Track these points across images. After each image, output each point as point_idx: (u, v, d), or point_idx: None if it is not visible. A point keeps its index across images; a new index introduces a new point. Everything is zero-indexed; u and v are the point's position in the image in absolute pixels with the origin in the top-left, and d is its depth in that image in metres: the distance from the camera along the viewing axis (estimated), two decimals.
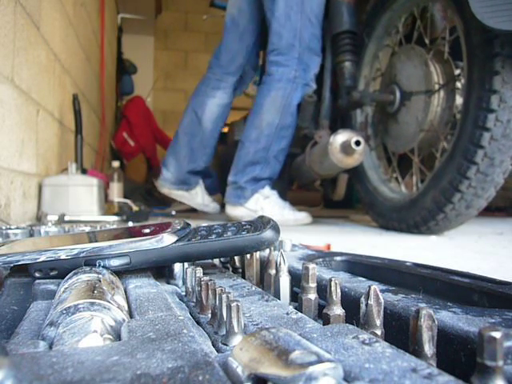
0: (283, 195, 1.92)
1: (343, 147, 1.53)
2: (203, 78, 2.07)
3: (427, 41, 1.47)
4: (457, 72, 1.38)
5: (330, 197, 2.18)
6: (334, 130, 1.72)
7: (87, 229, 0.77)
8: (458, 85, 1.39)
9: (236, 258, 0.48)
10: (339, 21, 1.71)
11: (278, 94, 1.75)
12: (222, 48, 2.00)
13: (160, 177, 2.10)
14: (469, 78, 1.24)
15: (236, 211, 1.80)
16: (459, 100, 1.37)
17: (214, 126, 2.02)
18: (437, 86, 1.41)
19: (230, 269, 0.49)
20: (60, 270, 0.37)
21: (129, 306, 0.30)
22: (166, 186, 2.07)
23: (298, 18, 1.69)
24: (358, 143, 1.50)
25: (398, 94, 1.56)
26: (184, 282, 0.39)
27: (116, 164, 2.28)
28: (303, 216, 1.79)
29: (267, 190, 1.81)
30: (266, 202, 1.77)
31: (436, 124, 1.44)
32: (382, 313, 0.25)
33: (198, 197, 2.08)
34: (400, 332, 0.28)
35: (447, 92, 1.41)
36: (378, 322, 0.24)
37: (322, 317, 0.29)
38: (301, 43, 1.72)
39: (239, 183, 1.80)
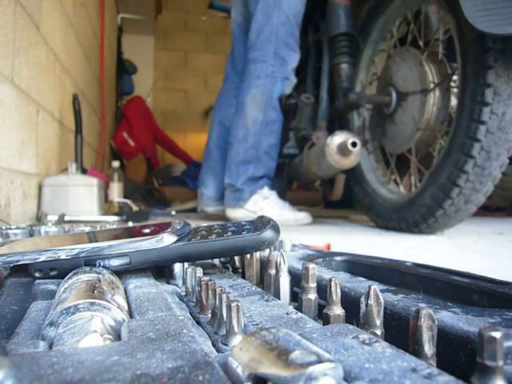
0: (282, 195, 1.93)
1: (340, 148, 1.53)
2: (222, 91, 2.08)
3: (421, 43, 1.48)
4: (450, 71, 1.39)
5: (328, 197, 2.19)
6: (331, 131, 1.72)
7: (87, 229, 0.77)
8: (453, 84, 1.39)
9: (236, 258, 0.48)
10: (336, 23, 1.72)
11: (258, 91, 1.77)
12: (236, 56, 2.01)
13: (202, 198, 2.07)
14: (463, 74, 1.25)
15: (236, 213, 1.80)
16: (454, 101, 1.38)
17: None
18: (432, 85, 1.42)
19: (230, 269, 0.49)
20: (60, 270, 0.37)
21: (129, 306, 0.30)
22: (210, 205, 2.03)
23: (275, 15, 1.73)
24: (354, 144, 1.51)
25: (394, 95, 1.57)
26: (184, 282, 0.39)
27: (116, 164, 2.28)
28: (303, 216, 1.79)
29: (266, 191, 1.81)
30: (265, 203, 1.77)
31: (432, 123, 1.44)
32: (381, 313, 0.25)
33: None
34: (400, 332, 0.28)
35: (442, 91, 1.42)
36: (378, 321, 0.24)
37: (322, 317, 0.29)
38: (277, 39, 1.74)
39: (236, 185, 1.81)
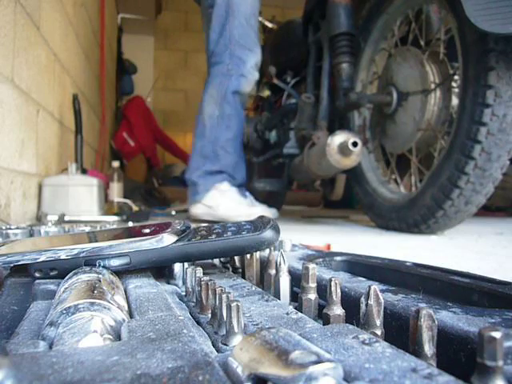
0: (243, 191, 1.90)
1: (341, 148, 1.53)
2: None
3: (422, 42, 1.48)
4: (452, 72, 1.39)
5: (329, 197, 2.19)
6: (331, 131, 1.72)
7: (87, 229, 0.77)
8: (454, 84, 1.39)
9: (236, 258, 0.48)
10: (336, 23, 1.72)
11: (214, 88, 1.83)
12: None
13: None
14: (464, 75, 1.24)
15: (194, 209, 1.81)
16: (455, 100, 1.38)
17: None
18: (433, 85, 1.42)
19: (230, 269, 0.49)
20: (60, 270, 0.37)
21: (129, 306, 0.30)
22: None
23: (228, 22, 1.81)
24: (355, 144, 1.50)
25: (394, 95, 1.56)
26: (184, 282, 0.39)
27: (116, 164, 2.28)
28: (260, 211, 1.72)
29: (225, 185, 1.79)
30: (222, 198, 1.76)
31: (433, 123, 1.44)
32: (381, 313, 0.25)
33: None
34: (400, 332, 0.28)
35: (443, 91, 1.42)
36: (378, 322, 0.24)
37: (322, 317, 0.29)
38: (231, 41, 1.81)
39: (192, 179, 1.83)
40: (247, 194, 2.05)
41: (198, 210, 1.79)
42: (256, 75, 1.86)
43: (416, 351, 0.21)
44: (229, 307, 0.23)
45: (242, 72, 1.81)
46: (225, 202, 1.75)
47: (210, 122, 1.82)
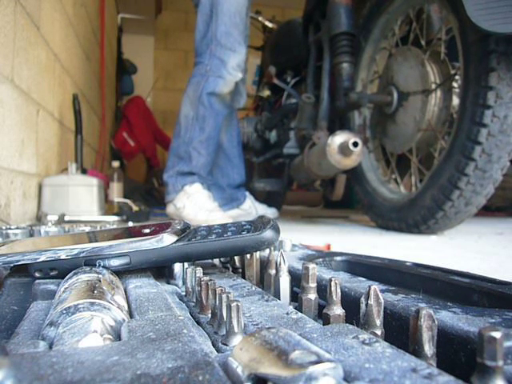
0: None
1: (341, 148, 1.53)
2: None
3: (423, 42, 1.48)
4: (453, 72, 1.39)
5: (329, 197, 2.19)
6: (332, 131, 1.72)
7: (87, 229, 0.77)
8: (455, 85, 1.39)
9: (236, 258, 0.48)
10: (337, 22, 1.72)
11: (191, 88, 1.83)
12: None
13: None
14: (465, 76, 1.24)
15: (168, 208, 1.83)
16: (456, 100, 1.38)
17: (228, 138, 2.02)
18: (433, 86, 1.42)
19: (230, 269, 0.49)
20: (60, 270, 0.37)
21: (129, 306, 0.30)
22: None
23: (212, 21, 1.80)
24: (355, 144, 1.50)
25: (395, 95, 1.56)
26: (184, 282, 0.39)
27: (116, 164, 2.28)
28: (217, 218, 1.72)
29: (194, 188, 1.78)
30: (187, 201, 1.76)
31: (433, 123, 1.44)
32: (381, 313, 0.25)
33: (253, 209, 2.05)
34: (400, 332, 0.28)
35: (444, 91, 1.42)
36: (378, 322, 0.24)
37: (322, 317, 0.29)
38: (212, 41, 1.80)
39: (165, 179, 1.85)
40: (247, 194, 2.05)
41: (170, 209, 1.81)
42: (238, 76, 1.82)
43: (416, 351, 0.21)
44: (229, 307, 0.23)
45: (221, 73, 1.78)
46: (188, 206, 1.76)
47: (184, 123, 1.82)
